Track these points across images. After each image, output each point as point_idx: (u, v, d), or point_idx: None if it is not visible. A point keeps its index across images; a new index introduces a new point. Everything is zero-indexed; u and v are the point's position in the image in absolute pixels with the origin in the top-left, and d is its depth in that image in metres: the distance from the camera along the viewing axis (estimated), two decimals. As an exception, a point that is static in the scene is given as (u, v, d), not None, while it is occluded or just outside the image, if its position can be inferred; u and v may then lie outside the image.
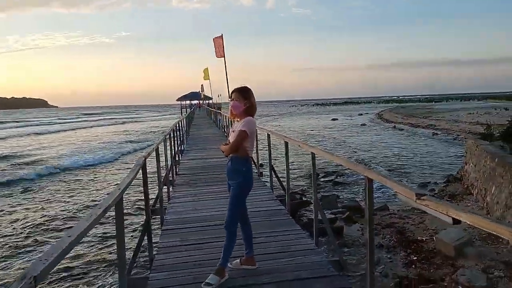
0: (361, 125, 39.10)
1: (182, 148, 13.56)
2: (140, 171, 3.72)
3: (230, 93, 3.58)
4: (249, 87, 3.60)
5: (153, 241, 4.05)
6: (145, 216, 3.87)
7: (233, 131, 3.53)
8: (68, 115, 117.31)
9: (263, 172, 9.46)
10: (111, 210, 2.18)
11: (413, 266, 6.57)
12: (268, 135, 6.38)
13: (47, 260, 1.28)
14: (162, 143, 6.23)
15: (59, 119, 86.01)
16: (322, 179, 14.50)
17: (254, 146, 3.66)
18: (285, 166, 5.19)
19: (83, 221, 1.60)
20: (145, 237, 3.76)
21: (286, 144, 5.14)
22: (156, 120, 65.10)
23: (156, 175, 5.85)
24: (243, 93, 3.52)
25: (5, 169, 18.27)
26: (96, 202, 10.87)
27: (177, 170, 8.98)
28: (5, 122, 76.38)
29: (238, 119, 3.53)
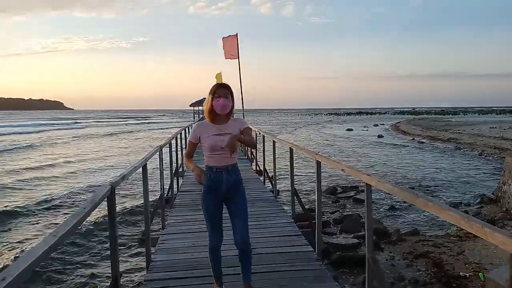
0: (378, 136, 37.59)
1: (189, 157, 12.43)
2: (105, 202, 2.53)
3: (214, 88, 3.02)
4: None
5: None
6: (111, 274, 2.60)
7: (220, 134, 2.98)
8: (102, 117, 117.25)
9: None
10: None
11: (458, 310, 5.40)
12: (291, 149, 4.99)
13: None
14: (158, 155, 4.94)
15: (97, 120, 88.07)
16: (340, 195, 13.16)
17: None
18: (316, 192, 3.89)
19: None
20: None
21: (319, 164, 3.83)
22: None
23: (157, 193, 4.67)
24: (231, 92, 3.05)
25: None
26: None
27: (180, 184, 7.74)
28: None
29: (212, 121, 3.06)
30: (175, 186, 7.10)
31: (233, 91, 3.12)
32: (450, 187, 14.40)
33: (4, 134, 42.22)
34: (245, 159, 12.29)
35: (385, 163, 19.95)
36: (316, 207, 4.01)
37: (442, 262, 7.30)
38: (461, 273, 6.73)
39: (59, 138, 37.91)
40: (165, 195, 5.94)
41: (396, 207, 11.16)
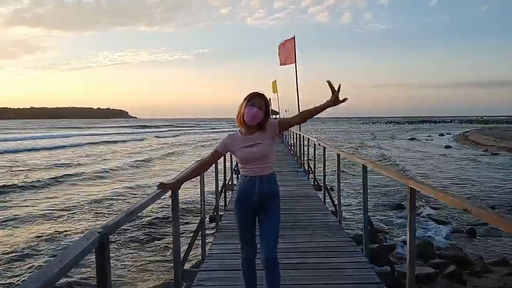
0: (445, 147, 34.63)
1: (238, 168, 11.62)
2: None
3: (251, 96, 2.77)
4: None
5: None
6: None
7: (250, 145, 2.78)
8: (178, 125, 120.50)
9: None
10: None
11: None
12: (365, 166, 3.90)
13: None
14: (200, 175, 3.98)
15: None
16: (394, 211, 11.50)
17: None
18: (408, 232, 2.81)
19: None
20: None
21: (412, 191, 2.77)
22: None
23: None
24: (267, 104, 2.82)
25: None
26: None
27: (228, 201, 6.82)
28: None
29: (244, 132, 2.85)
30: (221, 203, 6.21)
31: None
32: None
33: (122, 142, 44.13)
34: (301, 171, 11.25)
35: (459, 178, 17.85)
36: (408, 248, 2.82)
37: (546, 305, 5.87)
38: None
39: (183, 144, 40.37)
40: (208, 214, 5.07)
41: (478, 230, 9.53)
